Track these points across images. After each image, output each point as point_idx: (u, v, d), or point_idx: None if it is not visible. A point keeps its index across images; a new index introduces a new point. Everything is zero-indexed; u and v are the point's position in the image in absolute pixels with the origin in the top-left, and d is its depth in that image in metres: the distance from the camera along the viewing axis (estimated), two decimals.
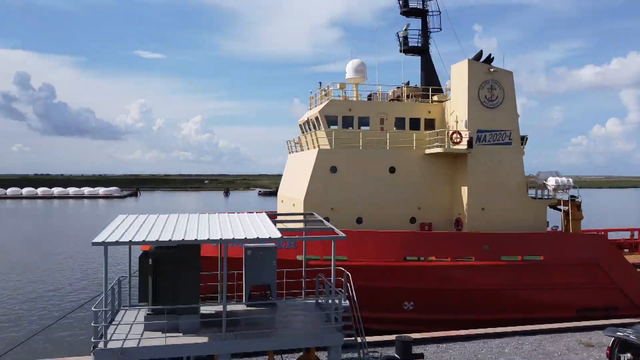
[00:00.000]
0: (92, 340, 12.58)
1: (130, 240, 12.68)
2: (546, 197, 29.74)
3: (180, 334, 13.52)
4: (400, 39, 33.09)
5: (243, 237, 13.10)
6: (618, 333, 18.56)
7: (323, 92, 31.44)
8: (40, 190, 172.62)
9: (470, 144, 27.51)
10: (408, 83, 34.01)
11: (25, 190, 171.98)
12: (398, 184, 28.59)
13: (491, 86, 28.58)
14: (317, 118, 29.30)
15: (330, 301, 14.83)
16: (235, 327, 14.19)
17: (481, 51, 29.25)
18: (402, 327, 25.56)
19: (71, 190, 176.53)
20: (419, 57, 33.87)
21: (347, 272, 16.38)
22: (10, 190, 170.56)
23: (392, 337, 20.39)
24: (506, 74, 28.97)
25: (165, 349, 12.81)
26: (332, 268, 14.74)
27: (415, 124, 30.10)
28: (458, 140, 27.59)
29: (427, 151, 28.75)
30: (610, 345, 18.78)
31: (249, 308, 16.30)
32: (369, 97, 31.99)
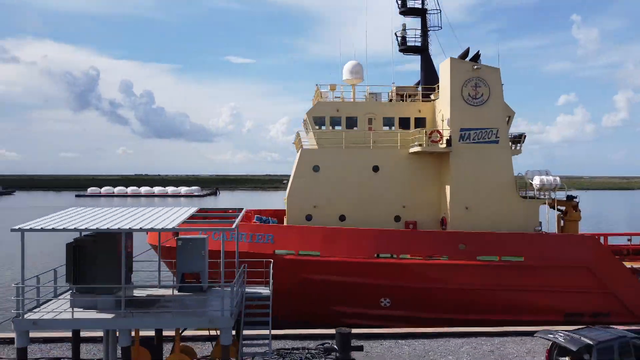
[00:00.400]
0: (13, 311, 14.92)
1: (42, 228, 14.88)
2: (542, 197, 28.66)
3: (95, 311, 15.50)
4: (399, 39, 33.27)
5: (127, 228, 14.83)
6: (549, 335, 18.09)
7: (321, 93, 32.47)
8: (130, 189, 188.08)
9: (449, 142, 27.31)
10: (419, 83, 34.13)
11: (117, 189, 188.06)
12: (382, 182, 28.99)
13: (475, 84, 28.12)
14: (305, 120, 30.49)
15: (245, 290, 16.12)
16: (149, 307, 15.95)
17: (468, 48, 28.94)
18: (380, 323, 26.13)
19: (156, 189, 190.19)
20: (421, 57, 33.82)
21: (271, 261, 17.53)
22: (104, 189, 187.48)
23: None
24: (492, 70, 28.36)
25: (71, 322, 14.84)
26: (221, 259, 15.96)
27: (404, 123, 30.27)
28: (437, 139, 27.50)
29: (410, 150, 28.90)
30: (548, 348, 18.37)
31: (177, 293, 17.99)
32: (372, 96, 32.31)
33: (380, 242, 26.09)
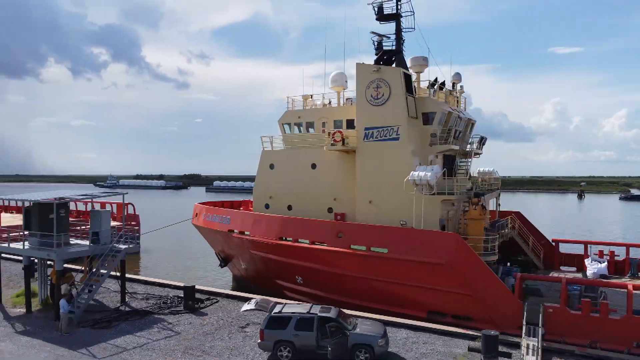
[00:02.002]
0: None
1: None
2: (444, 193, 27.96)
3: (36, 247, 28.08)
4: (375, 44, 35.81)
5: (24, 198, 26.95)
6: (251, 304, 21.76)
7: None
8: None
9: (343, 141, 30.00)
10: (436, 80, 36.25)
11: None
12: (318, 178, 33.33)
13: (377, 85, 29.70)
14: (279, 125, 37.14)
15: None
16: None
17: (383, 52, 30.44)
18: (305, 299, 31.69)
19: None
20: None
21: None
22: None
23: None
24: (393, 71, 29.29)
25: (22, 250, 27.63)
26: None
27: (351, 124, 33.51)
28: (339, 139, 30.49)
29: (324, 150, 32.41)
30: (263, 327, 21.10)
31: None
32: None
33: (283, 227, 31.24)
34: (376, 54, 35.58)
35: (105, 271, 26.75)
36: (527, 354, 20.21)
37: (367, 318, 23.91)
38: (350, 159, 32.05)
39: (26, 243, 27.27)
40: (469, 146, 35.83)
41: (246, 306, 21.61)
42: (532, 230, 37.75)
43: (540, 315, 22.69)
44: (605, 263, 34.30)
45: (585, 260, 34.90)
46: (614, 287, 24.69)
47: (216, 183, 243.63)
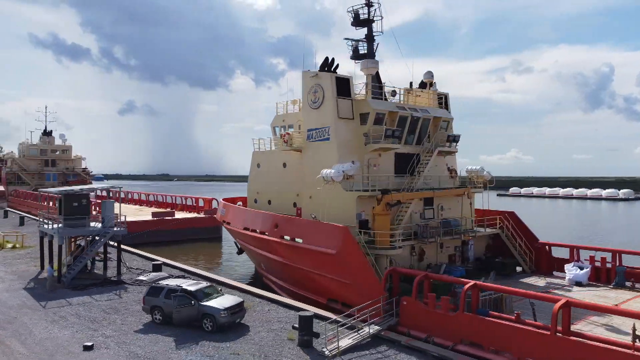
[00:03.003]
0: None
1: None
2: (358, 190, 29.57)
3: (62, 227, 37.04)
4: (352, 49, 37.87)
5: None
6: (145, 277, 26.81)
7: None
8: (548, 191, 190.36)
9: (287, 142, 33.11)
10: (411, 84, 37.95)
11: (535, 190, 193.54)
12: (286, 176, 36.74)
13: (315, 89, 32.20)
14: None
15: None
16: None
17: (326, 58, 32.80)
18: (266, 282, 36.27)
19: (575, 191, 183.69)
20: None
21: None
22: (524, 190, 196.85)
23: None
24: (326, 76, 31.44)
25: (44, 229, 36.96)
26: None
27: None
28: (286, 140, 33.68)
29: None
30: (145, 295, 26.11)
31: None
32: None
33: (245, 219, 35.58)
34: (352, 58, 37.79)
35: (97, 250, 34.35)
36: (345, 336, 21.73)
37: (271, 300, 27.49)
38: None
39: (58, 225, 36.12)
40: (447, 145, 35.85)
41: (141, 277, 26.72)
42: (525, 232, 36.07)
43: (394, 306, 23.64)
44: (586, 270, 31.89)
45: (566, 265, 32.73)
46: (514, 294, 23.17)
47: None
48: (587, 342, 17.70)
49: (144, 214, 68.22)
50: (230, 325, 23.61)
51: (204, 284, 25.58)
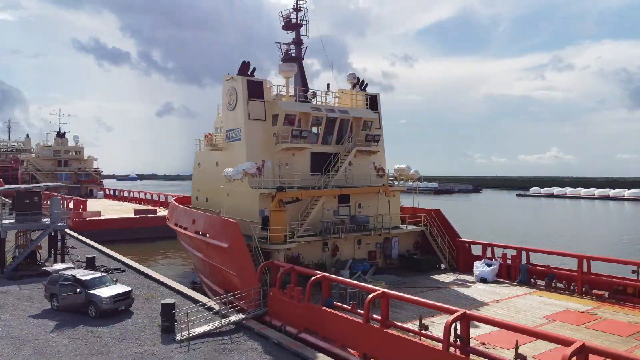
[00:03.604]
0: None
1: None
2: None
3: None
4: (282, 52, 39.34)
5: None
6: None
7: None
8: (569, 191, 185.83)
9: (210, 143, 34.89)
10: (328, 86, 39.28)
11: (556, 190, 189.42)
12: (217, 174, 38.42)
13: (230, 92, 33.85)
14: None
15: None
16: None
17: (244, 62, 34.35)
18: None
19: (596, 191, 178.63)
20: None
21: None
22: (544, 190, 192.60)
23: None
24: (239, 79, 32.99)
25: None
26: None
27: None
28: (209, 140, 35.45)
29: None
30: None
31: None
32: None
33: (172, 215, 37.56)
34: (282, 61, 39.25)
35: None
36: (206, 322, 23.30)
37: (174, 290, 29.31)
38: None
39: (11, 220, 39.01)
40: (372, 144, 36.89)
41: (46, 268, 28.93)
42: (448, 230, 36.82)
43: (261, 296, 25.07)
44: (493, 267, 32.56)
45: (476, 262, 33.44)
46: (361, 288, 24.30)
47: None
48: (392, 332, 18.62)
49: (125, 211, 71.71)
50: (114, 312, 25.53)
51: (98, 274, 27.64)
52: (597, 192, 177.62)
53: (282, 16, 38.80)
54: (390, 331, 18.44)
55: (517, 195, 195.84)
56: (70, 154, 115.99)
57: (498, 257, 33.69)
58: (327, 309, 21.45)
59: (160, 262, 51.77)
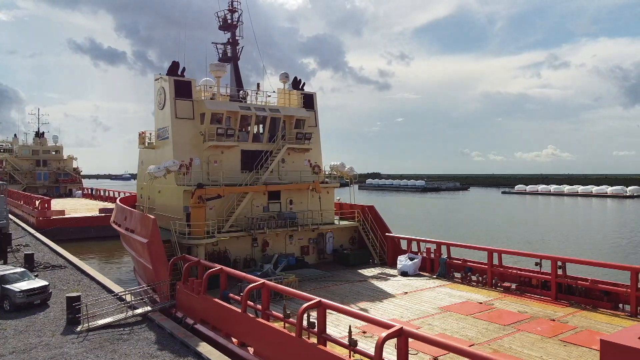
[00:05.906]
0: None
1: None
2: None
3: None
4: (220, 52, 40.09)
5: None
6: None
7: None
8: (553, 188, 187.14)
9: (141, 142, 35.67)
10: (258, 85, 40.14)
11: (541, 187, 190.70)
12: None
13: (160, 92, 34.64)
14: None
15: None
16: None
17: (173, 62, 35.10)
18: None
19: (579, 188, 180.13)
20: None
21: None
22: (529, 187, 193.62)
23: None
24: (167, 80, 33.75)
25: None
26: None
27: None
28: (143, 138, 36.25)
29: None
30: None
31: None
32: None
33: (116, 213, 38.32)
34: (219, 61, 40.02)
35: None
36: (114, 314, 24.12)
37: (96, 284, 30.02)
38: None
39: None
40: (307, 141, 37.71)
41: None
42: (380, 225, 37.69)
43: (169, 289, 25.91)
44: (415, 261, 33.46)
45: (399, 256, 34.32)
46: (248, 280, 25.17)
47: (368, 181, 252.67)
48: (260, 320, 19.46)
49: (91, 210, 72.71)
50: (29, 306, 26.33)
51: (18, 269, 28.41)
52: (580, 189, 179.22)
53: (218, 17, 39.57)
54: (259, 320, 19.29)
55: (502, 192, 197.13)
56: (51, 153, 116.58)
57: (423, 251, 34.57)
58: (216, 300, 22.28)
59: (114, 260, 52.41)
